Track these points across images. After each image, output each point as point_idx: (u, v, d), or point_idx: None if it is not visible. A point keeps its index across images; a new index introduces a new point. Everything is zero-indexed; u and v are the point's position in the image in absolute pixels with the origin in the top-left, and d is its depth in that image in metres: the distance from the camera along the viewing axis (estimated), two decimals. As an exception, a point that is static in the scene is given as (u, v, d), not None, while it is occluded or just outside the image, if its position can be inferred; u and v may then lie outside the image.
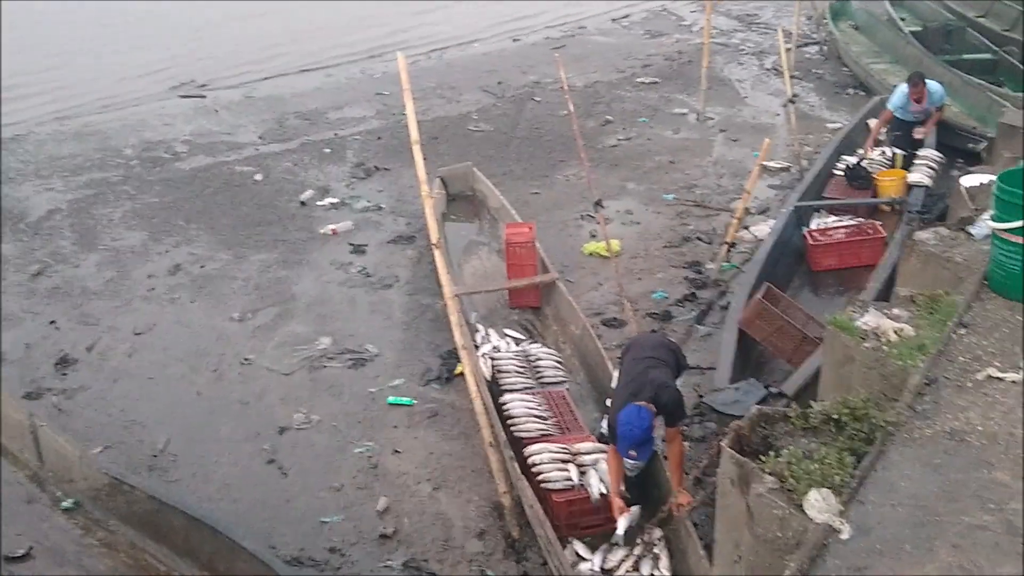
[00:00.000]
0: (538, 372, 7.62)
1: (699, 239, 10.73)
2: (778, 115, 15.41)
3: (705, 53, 15.19)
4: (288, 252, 10.92)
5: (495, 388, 7.37)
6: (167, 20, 24.16)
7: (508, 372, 7.57)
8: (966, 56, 15.78)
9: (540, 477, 6.18)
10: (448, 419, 7.67)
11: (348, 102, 17.14)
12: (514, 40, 21.96)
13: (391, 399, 7.96)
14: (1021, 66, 14.55)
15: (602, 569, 5.68)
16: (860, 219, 9.77)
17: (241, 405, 8.05)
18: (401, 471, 7.09)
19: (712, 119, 15.28)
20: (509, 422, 6.84)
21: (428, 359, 8.53)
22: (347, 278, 10.23)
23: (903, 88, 10.91)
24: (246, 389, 8.27)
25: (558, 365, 7.72)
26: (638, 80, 17.99)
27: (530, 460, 6.33)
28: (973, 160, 10.41)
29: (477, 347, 7.96)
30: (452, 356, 8.23)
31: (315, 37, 21.96)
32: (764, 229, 10.28)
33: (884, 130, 11.27)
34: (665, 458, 6.09)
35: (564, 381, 7.58)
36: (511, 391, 7.29)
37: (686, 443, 6.67)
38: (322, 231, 11.38)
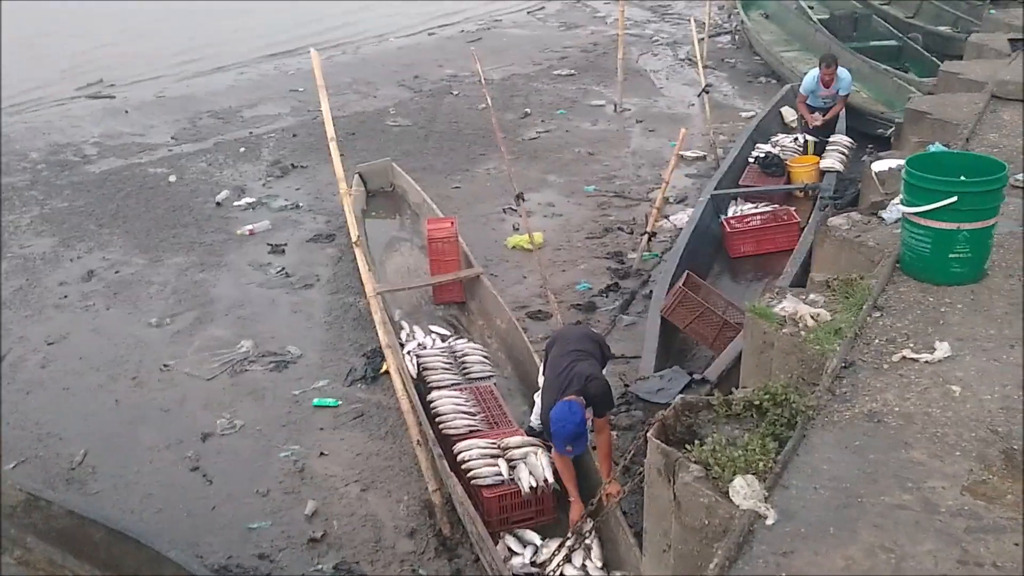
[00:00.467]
0: (465, 368, 7.59)
1: (620, 229, 10.84)
2: (693, 105, 15.66)
3: (620, 44, 15.36)
4: (205, 254, 10.66)
5: (422, 386, 7.31)
6: (66, 18, 23.40)
7: (434, 369, 7.52)
8: (872, 43, 16.30)
9: (470, 474, 6.16)
10: (375, 419, 7.58)
11: (262, 100, 16.87)
12: (430, 34, 21.90)
13: (316, 401, 7.83)
14: (925, 52, 15.05)
15: (532, 563, 5.69)
16: (775, 205, 9.96)
17: (162, 412, 7.82)
18: (329, 473, 6.99)
19: (629, 110, 15.46)
20: (437, 419, 6.79)
21: (352, 359, 8.42)
22: (267, 279, 10.04)
23: (814, 72, 11.22)
24: (166, 396, 8.04)
25: (485, 360, 7.70)
26: (555, 72, 18.09)
27: (459, 457, 6.30)
28: (883, 145, 10.71)
29: (402, 345, 7.89)
30: (377, 355, 8.16)
31: (232, 36, 21.57)
32: (683, 218, 10.45)
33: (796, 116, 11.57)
34: (594, 448, 6.14)
35: (491, 376, 7.57)
36: (438, 388, 7.24)
37: (614, 432, 6.74)
38: (239, 232, 11.15)
